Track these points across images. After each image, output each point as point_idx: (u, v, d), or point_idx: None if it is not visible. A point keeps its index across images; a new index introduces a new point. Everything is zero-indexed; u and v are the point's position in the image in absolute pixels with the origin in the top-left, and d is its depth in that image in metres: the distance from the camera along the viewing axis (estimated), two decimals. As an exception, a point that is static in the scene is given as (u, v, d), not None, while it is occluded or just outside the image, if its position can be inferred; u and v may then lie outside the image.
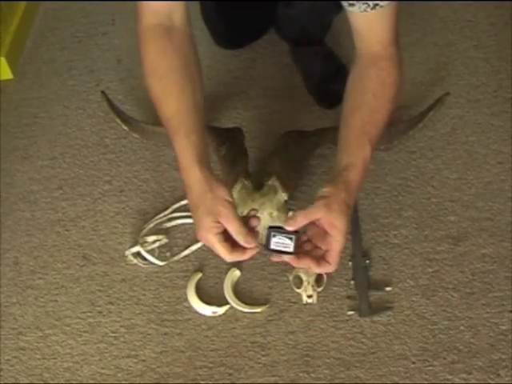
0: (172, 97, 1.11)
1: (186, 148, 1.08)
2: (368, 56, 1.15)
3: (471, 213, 1.33)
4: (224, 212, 1.02)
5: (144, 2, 1.14)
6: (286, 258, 1.04)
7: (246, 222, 1.06)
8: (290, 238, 1.02)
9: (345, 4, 1.12)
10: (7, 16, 1.79)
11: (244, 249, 1.03)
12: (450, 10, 1.75)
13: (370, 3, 1.09)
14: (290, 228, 1.02)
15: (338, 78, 1.55)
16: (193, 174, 1.06)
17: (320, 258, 1.04)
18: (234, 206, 1.04)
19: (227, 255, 1.03)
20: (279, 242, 1.02)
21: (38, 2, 1.95)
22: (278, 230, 1.02)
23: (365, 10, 1.10)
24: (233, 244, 1.03)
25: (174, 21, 1.14)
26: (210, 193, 1.04)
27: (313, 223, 1.04)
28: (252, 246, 1.03)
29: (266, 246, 1.03)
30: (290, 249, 1.02)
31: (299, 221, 1.02)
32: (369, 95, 1.13)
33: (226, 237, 1.03)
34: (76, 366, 1.20)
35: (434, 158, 1.44)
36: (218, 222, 1.02)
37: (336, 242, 1.02)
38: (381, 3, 1.09)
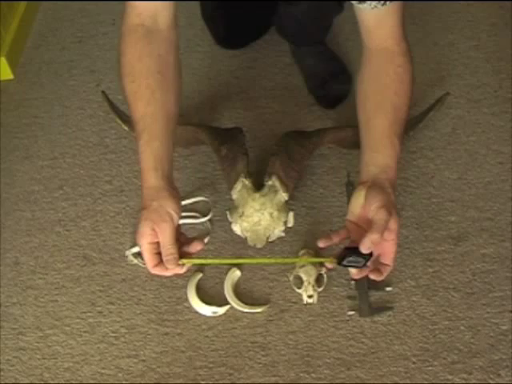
0: (141, 100, 1.12)
1: (145, 154, 1.10)
2: (382, 53, 1.15)
3: (472, 213, 1.33)
4: (161, 224, 1.04)
5: (131, 2, 1.13)
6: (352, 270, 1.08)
7: (189, 241, 1.10)
8: (364, 258, 1.04)
9: (354, 2, 1.12)
10: (7, 16, 1.79)
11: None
12: (450, 10, 1.75)
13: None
14: (367, 250, 1.02)
15: (339, 79, 1.56)
16: (147, 180, 1.09)
17: (376, 264, 1.07)
18: (174, 221, 1.05)
19: (151, 267, 1.06)
20: (352, 261, 1.05)
21: (37, 2, 1.95)
22: (354, 250, 1.03)
23: (375, 7, 1.10)
24: (162, 258, 1.06)
25: (158, 24, 1.14)
26: (157, 201, 1.06)
27: (360, 233, 1.04)
28: (170, 268, 1.06)
29: (339, 262, 1.06)
30: (361, 264, 1.06)
31: (375, 240, 1.01)
32: (391, 94, 1.13)
33: (158, 250, 1.05)
34: (76, 366, 1.20)
35: (434, 158, 1.44)
36: (155, 231, 1.04)
37: (393, 244, 1.04)
38: None
